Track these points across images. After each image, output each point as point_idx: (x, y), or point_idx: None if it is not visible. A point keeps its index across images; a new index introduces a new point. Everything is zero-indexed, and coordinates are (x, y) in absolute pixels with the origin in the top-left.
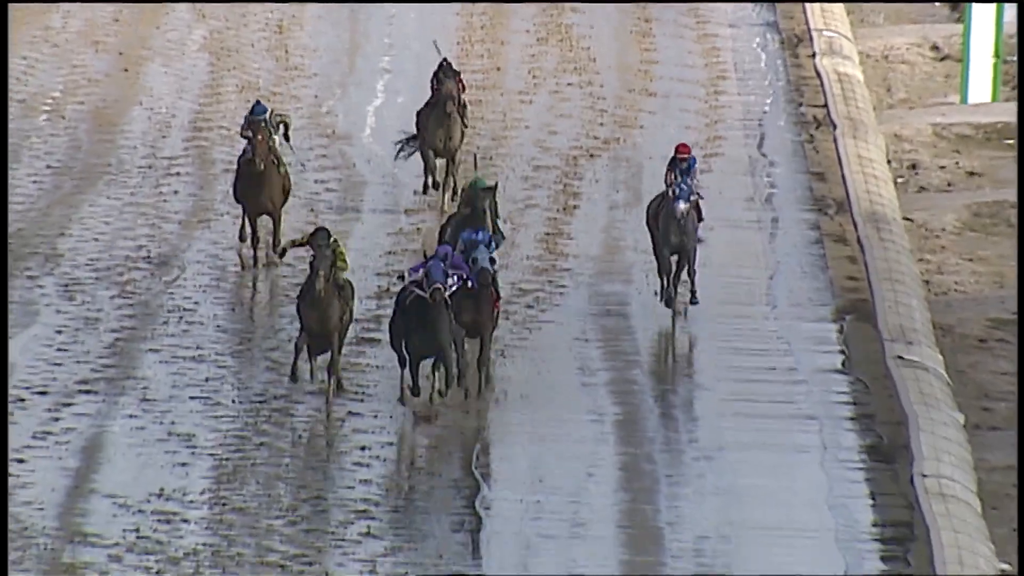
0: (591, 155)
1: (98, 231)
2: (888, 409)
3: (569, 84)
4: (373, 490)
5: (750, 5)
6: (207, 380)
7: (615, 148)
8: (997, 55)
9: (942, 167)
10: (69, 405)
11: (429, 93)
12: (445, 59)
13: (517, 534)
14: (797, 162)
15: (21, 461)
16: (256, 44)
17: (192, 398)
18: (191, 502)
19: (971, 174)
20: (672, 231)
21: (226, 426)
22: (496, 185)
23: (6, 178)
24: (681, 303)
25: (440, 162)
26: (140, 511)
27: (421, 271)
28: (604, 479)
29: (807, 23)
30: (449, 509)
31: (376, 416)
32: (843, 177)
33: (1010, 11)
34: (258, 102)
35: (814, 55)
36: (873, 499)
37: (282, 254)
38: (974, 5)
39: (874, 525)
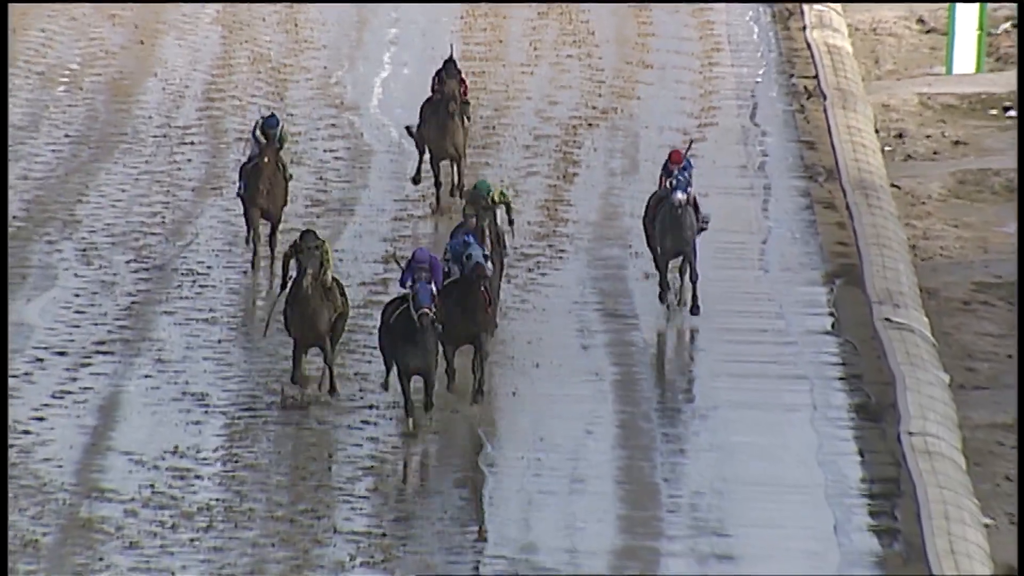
0: (590, 124)
1: (114, 198)
2: (876, 369)
3: (569, 56)
4: (380, 448)
5: None
6: (219, 342)
7: (613, 118)
8: (981, 28)
9: (928, 136)
10: (86, 365)
11: (433, 65)
12: (451, 57)
13: (519, 490)
14: (788, 131)
15: (40, 419)
16: (267, 18)
17: (205, 359)
18: (204, 459)
19: (956, 143)
20: (669, 232)
21: (238, 386)
22: (502, 199)
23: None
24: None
25: (444, 164)
26: (155, 467)
27: (409, 281)
28: (602, 437)
29: None
30: (454, 467)
31: (383, 376)
32: (832, 146)
33: None
34: (272, 114)
35: (805, 28)
36: (861, 456)
37: (284, 273)
38: None
39: (862, 481)
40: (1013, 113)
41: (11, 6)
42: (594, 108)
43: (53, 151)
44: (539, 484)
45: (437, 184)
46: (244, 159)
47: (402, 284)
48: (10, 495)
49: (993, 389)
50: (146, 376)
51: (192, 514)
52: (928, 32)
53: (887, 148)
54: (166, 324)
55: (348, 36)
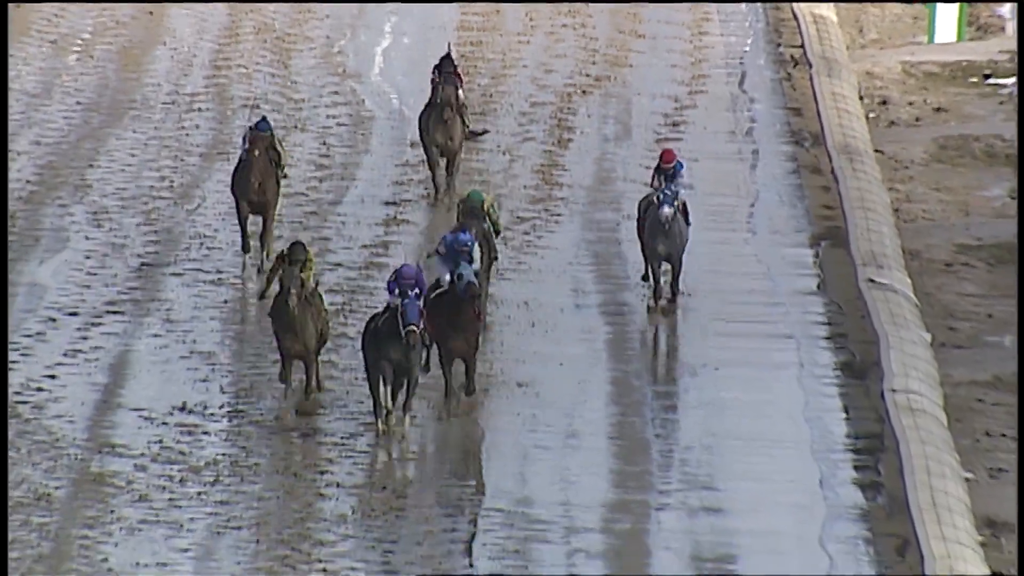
0: (584, 92)
1: (124, 163)
2: (860, 329)
3: (563, 26)
4: None
5: None
6: (226, 302)
7: (606, 85)
8: None
9: (911, 103)
10: (97, 325)
11: (433, 34)
12: (448, 54)
13: (515, 446)
14: (776, 98)
15: (53, 377)
16: None
17: (212, 319)
18: (211, 415)
19: (938, 109)
20: (658, 236)
21: (244, 344)
22: (493, 208)
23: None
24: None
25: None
26: (164, 424)
27: (395, 294)
28: (596, 394)
29: None
30: (452, 423)
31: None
32: (818, 112)
33: None
34: (263, 118)
35: None
36: (846, 412)
37: (262, 295)
38: None
39: (847, 437)
40: (993, 80)
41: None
42: (588, 76)
43: (65, 117)
44: (534, 439)
45: (436, 183)
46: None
47: (390, 292)
48: (23, 450)
49: (973, 348)
50: (155, 335)
51: (199, 468)
52: (911, 2)
53: (871, 114)
54: (174, 285)
55: (350, 6)
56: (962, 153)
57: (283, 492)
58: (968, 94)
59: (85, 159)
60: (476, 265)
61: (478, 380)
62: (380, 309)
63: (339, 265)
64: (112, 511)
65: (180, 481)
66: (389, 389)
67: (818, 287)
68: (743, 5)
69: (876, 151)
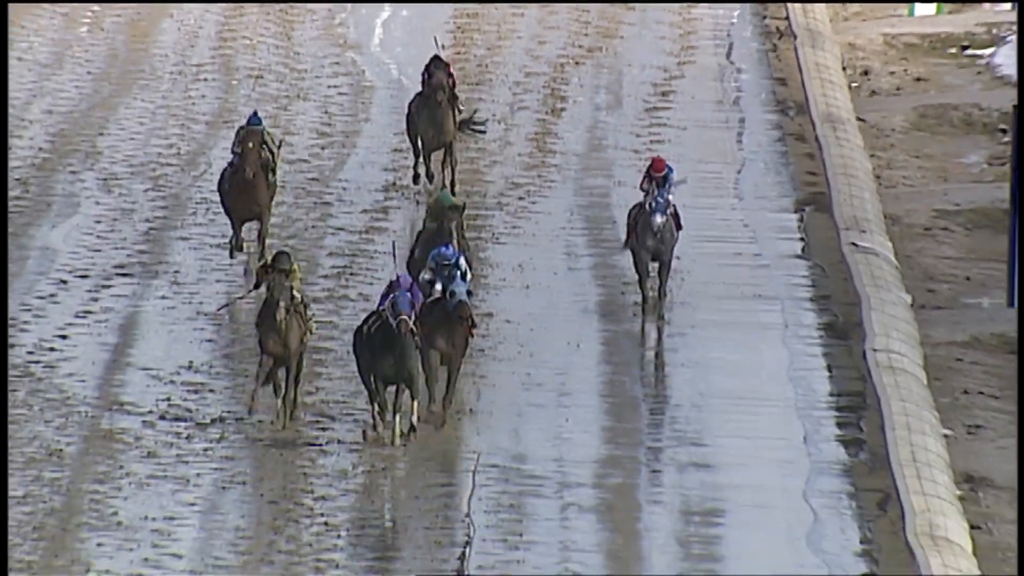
0: (576, 63)
1: (133, 131)
2: (843, 291)
3: None
4: None
5: None
6: (231, 265)
7: (598, 56)
8: None
9: (892, 73)
10: (107, 287)
11: (430, 8)
12: (436, 55)
13: (510, 404)
14: (762, 69)
15: (64, 337)
16: None
17: (218, 281)
18: (217, 374)
19: (918, 79)
20: (650, 242)
21: (248, 305)
22: (464, 206)
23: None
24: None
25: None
26: (171, 382)
27: (388, 301)
28: (588, 354)
29: None
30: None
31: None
32: (803, 82)
33: None
34: (255, 113)
35: None
36: (829, 371)
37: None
38: None
39: (830, 395)
40: (971, 52)
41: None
42: (580, 47)
43: (76, 87)
44: (528, 398)
45: (429, 173)
46: (227, 165)
47: (382, 304)
48: (36, 408)
49: (952, 309)
50: (163, 297)
51: (206, 425)
52: None
53: (853, 84)
54: (181, 249)
55: None
56: (941, 121)
57: (286, 448)
58: (947, 65)
59: (95, 127)
60: (468, 281)
61: (463, 385)
62: (365, 316)
63: (341, 229)
64: (121, 466)
65: (187, 438)
66: (385, 396)
67: (802, 251)
68: None
69: (858, 119)
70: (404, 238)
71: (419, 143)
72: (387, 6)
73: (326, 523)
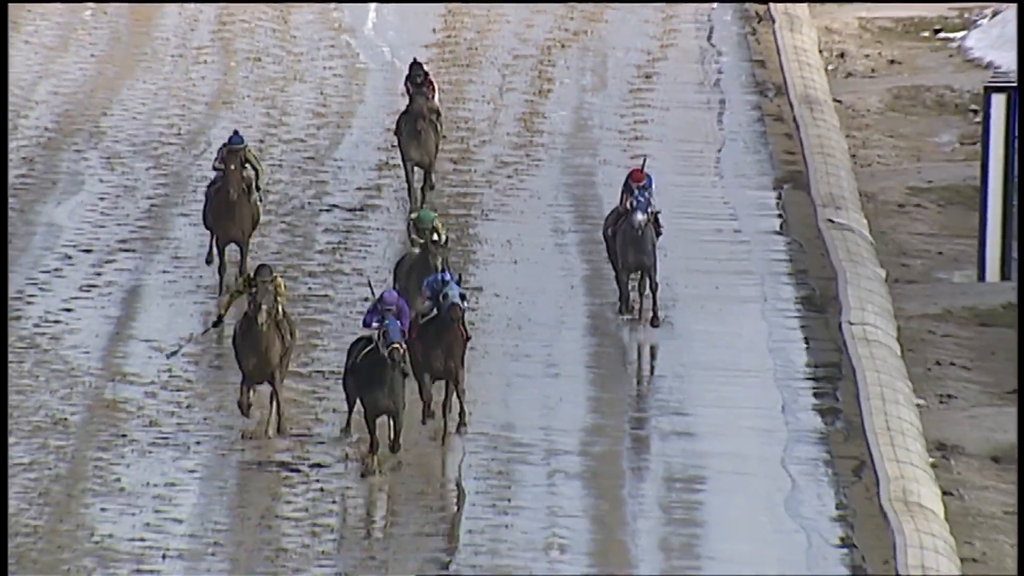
0: (563, 45)
1: (136, 111)
2: (820, 265)
3: None
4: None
5: None
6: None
7: (584, 39)
8: None
9: (867, 56)
10: (111, 262)
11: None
12: (415, 61)
13: (499, 375)
14: (741, 52)
15: (69, 310)
16: None
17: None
18: (216, 345)
19: (892, 62)
20: (630, 247)
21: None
22: (447, 240)
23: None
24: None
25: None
26: (172, 354)
27: (374, 322)
28: (574, 326)
29: None
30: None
31: (383, 287)
32: (781, 64)
33: None
34: (235, 132)
35: None
36: (807, 344)
37: (223, 311)
38: None
39: (807, 366)
40: (943, 35)
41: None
42: (566, 31)
43: (81, 69)
44: (517, 369)
45: (409, 184)
46: (210, 182)
47: (366, 324)
48: (42, 378)
49: (925, 283)
50: (164, 271)
51: (206, 395)
52: None
53: (830, 66)
54: (182, 225)
55: None
56: (914, 102)
57: (283, 418)
58: (920, 47)
59: (99, 108)
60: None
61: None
62: (357, 337)
63: (335, 207)
64: (124, 435)
65: (187, 407)
66: (375, 423)
67: (780, 227)
68: None
69: (834, 101)
70: (398, 216)
71: (409, 165)
72: None
73: (321, 489)
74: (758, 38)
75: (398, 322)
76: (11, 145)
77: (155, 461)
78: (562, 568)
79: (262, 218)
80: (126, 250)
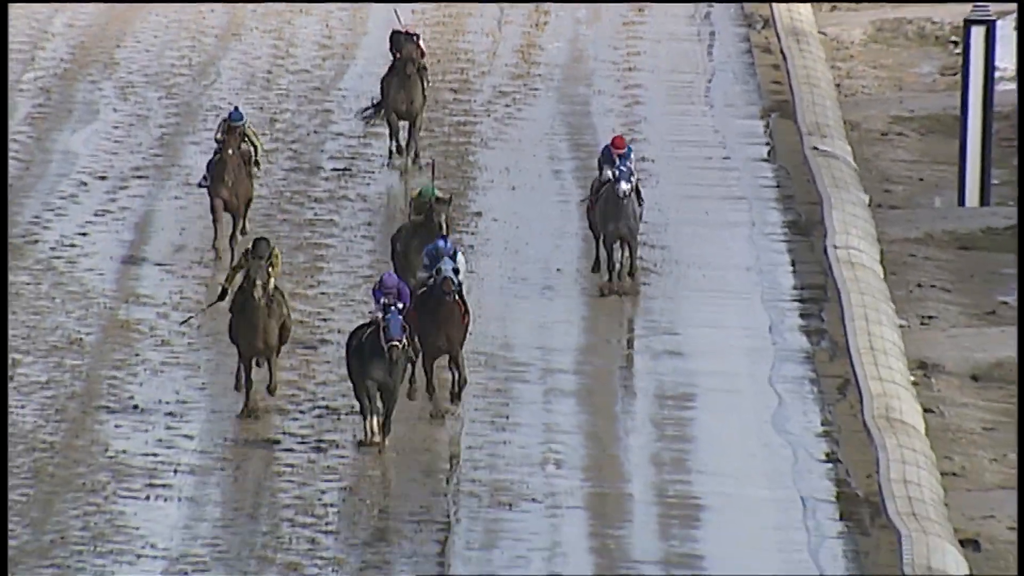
0: None
1: (148, 43)
2: (806, 191)
3: None
4: (378, 256)
5: None
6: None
7: None
8: None
9: None
10: (124, 188)
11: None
12: (397, 30)
13: (497, 297)
14: None
15: (84, 235)
16: None
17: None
18: (225, 267)
19: None
20: (612, 216)
21: (257, 204)
22: (451, 198)
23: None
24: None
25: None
26: (183, 276)
27: (377, 312)
28: (569, 250)
29: None
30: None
31: (384, 212)
32: None
33: None
34: (236, 108)
35: None
36: (793, 266)
37: (228, 284)
38: None
39: (794, 288)
40: None
41: None
42: None
43: (94, 2)
44: (514, 290)
45: (398, 150)
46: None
47: (376, 301)
48: (58, 300)
49: (907, 208)
50: (175, 197)
51: (215, 316)
52: None
53: None
54: (193, 153)
55: None
56: (896, 34)
57: (291, 340)
58: None
59: (113, 40)
60: (461, 266)
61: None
62: (363, 322)
63: (340, 135)
64: (137, 354)
65: (198, 327)
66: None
67: (768, 154)
68: None
69: (820, 32)
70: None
71: (391, 115)
72: None
73: (327, 407)
74: None
75: (400, 317)
76: (28, 75)
77: (167, 379)
78: (558, 482)
79: (267, 147)
80: (139, 177)
